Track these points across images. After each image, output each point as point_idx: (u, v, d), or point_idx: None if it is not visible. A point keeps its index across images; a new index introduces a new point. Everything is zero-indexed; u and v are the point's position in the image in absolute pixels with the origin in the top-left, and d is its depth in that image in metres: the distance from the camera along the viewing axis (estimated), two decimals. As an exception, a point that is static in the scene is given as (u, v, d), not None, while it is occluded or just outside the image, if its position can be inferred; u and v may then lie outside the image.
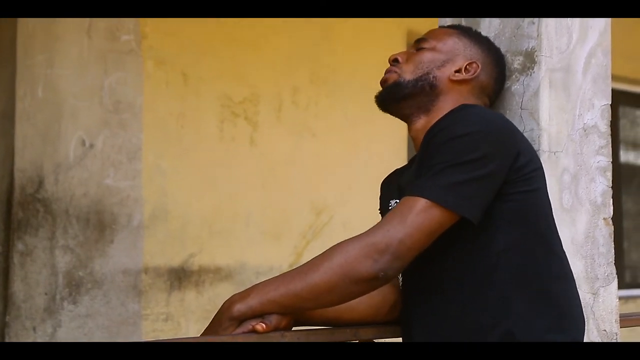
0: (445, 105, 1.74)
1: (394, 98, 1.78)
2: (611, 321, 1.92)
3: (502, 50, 1.89)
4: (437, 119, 1.65)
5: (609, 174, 1.95)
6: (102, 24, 3.69)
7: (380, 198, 1.89)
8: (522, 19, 1.87)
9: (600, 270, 1.91)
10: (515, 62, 1.88)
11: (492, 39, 1.89)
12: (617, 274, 1.95)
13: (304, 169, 4.37)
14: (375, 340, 1.77)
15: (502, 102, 1.89)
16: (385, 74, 1.81)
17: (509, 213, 1.60)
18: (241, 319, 1.56)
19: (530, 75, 1.85)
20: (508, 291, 1.58)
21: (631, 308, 5.41)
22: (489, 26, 1.93)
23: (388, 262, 1.52)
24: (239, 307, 1.56)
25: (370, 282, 1.54)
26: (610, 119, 1.96)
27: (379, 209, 1.88)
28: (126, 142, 3.75)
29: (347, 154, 4.51)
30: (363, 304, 1.72)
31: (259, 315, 1.56)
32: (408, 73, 1.77)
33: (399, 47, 4.45)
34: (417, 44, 1.82)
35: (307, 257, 3.91)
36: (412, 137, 1.81)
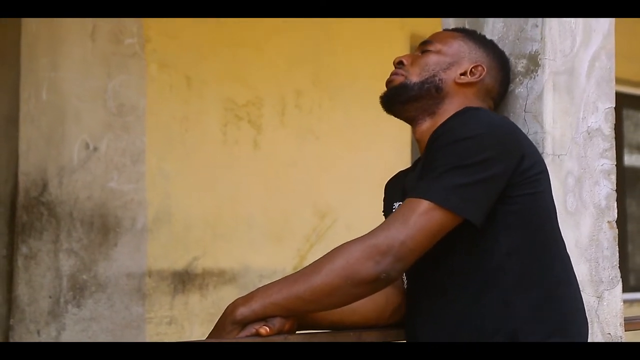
0: (451, 107, 1.74)
1: (400, 100, 1.78)
2: (615, 324, 1.91)
3: (506, 53, 1.88)
4: (441, 122, 1.65)
5: (613, 177, 1.94)
6: (105, 27, 3.69)
7: (384, 200, 1.88)
8: (525, 21, 1.87)
9: (604, 273, 1.90)
10: (518, 65, 1.87)
11: (495, 42, 1.89)
12: (621, 277, 1.94)
13: (307, 171, 4.37)
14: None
15: (506, 105, 1.88)
16: (390, 75, 1.81)
17: (513, 216, 1.59)
18: (244, 323, 1.55)
19: (534, 78, 1.85)
20: (511, 294, 1.57)
21: (636, 311, 5.39)
22: (492, 29, 1.93)
23: (390, 264, 1.52)
24: (242, 311, 1.55)
25: (372, 284, 1.54)
26: (614, 122, 1.96)
27: (383, 211, 1.87)
28: (130, 145, 3.75)
29: (351, 157, 4.50)
30: (366, 307, 1.71)
31: (262, 318, 1.55)
32: (414, 75, 1.77)
33: (402, 50, 4.45)
34: (422, 47, 1.82)
35: (310, 260, 3.89)
36: (416, 140, 1.81)
